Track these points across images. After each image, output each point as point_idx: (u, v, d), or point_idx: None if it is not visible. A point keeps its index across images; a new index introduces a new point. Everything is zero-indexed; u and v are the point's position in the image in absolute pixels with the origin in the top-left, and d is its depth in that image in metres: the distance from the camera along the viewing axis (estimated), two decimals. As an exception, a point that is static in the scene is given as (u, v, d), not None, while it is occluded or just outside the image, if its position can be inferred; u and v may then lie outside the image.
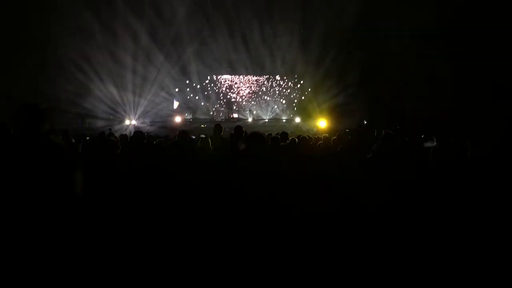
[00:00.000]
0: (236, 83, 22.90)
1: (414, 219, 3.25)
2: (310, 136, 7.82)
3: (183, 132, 4.01)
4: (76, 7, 14.23)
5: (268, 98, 22.45)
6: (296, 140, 5.33)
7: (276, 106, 22.24)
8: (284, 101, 22.42)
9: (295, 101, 22.29)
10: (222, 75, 22.72)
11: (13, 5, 12.85)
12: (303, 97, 21.94)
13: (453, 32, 12.13)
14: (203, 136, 4.84)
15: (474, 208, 2.96)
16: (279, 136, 5.31)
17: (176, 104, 21.46)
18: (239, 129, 4.98)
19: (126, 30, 16.44)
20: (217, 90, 22.71)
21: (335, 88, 17.68)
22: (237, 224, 2.47)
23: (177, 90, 21.30)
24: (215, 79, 22.72)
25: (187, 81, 21.49)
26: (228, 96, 22.77)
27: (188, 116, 21.63)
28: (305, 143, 5.38)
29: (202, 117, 21.70)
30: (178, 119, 19.65)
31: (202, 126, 18.71)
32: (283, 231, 2.43)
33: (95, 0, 14.67)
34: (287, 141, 5.17)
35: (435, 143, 4.96)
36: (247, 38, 18.57)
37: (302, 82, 21.85)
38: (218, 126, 5.17)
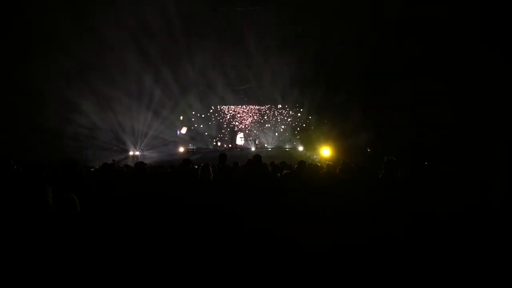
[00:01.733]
0: (239, 112, 23.24)
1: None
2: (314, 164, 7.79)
3: (186, 161, 4.06)
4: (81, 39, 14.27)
5: (270, 127, 22.64)
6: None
7: (277, 134, 22.40)
8: (286, 130, 22.57)
9: (298, 129, 22.45)
10: (226, 105, 23.09)
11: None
12: (304, 125, 22.06)
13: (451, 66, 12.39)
14: (203, 165, 4.82)
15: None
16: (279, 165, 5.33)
17: (184, 130, 21.59)
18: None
19: (132, 63, 16.79)
20: (220, 120, 23.01)
21: (338, 116, 17.82)
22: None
23: (181, 118, 21.56)
24: (218, 109, 23.09)
25: (193, 112, 21.81)
26: (232, 125, 23.02)
27: (192, 146, 21.71)
28: (314, 170, 5.37)
29: (206, 146, 21.77)
30: (181, 149, 19.80)
31: (208, 155, 18.71)
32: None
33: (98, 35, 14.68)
34: (292, 169, 5.16)
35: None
36: (251, 69, 19.02)
37: (302, 110, 22.03)
38: (222, 155, 5.25)
